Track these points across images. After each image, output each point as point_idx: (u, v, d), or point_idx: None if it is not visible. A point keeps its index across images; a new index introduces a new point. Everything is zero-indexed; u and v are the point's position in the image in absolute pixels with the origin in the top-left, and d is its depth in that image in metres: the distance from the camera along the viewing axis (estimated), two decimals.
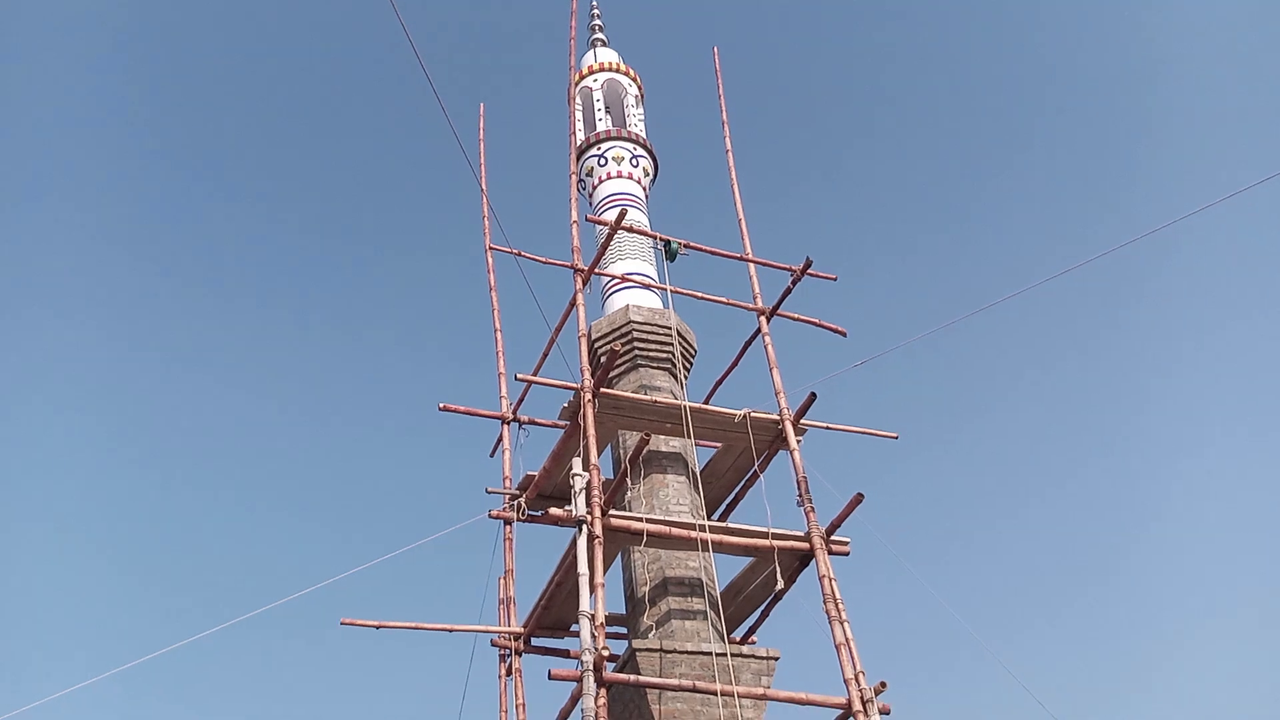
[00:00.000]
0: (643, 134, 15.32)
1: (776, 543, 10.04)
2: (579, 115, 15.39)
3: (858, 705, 8.78)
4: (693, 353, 13.00)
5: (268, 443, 36.20)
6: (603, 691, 8.22)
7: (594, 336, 12.49)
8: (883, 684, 8.90)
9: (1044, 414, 34.70)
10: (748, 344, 12.78)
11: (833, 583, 9.66)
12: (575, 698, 8.68)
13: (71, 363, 34.19)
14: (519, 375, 12.03)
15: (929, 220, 40.02)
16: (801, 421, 11.03)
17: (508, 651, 11.13)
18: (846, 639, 9.25)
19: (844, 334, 12.68)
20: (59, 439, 33.26)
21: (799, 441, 10.85)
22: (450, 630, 10.90)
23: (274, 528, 34.32)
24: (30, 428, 32.74)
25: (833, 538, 10.06)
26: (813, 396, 10.86)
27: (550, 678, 8.88)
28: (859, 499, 9.90)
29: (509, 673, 11.04)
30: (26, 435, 32.85)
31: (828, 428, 11.58)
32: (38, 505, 31.89)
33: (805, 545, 10.03)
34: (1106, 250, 13.86)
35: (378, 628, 10.53)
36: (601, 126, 15.23)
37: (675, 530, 9.92)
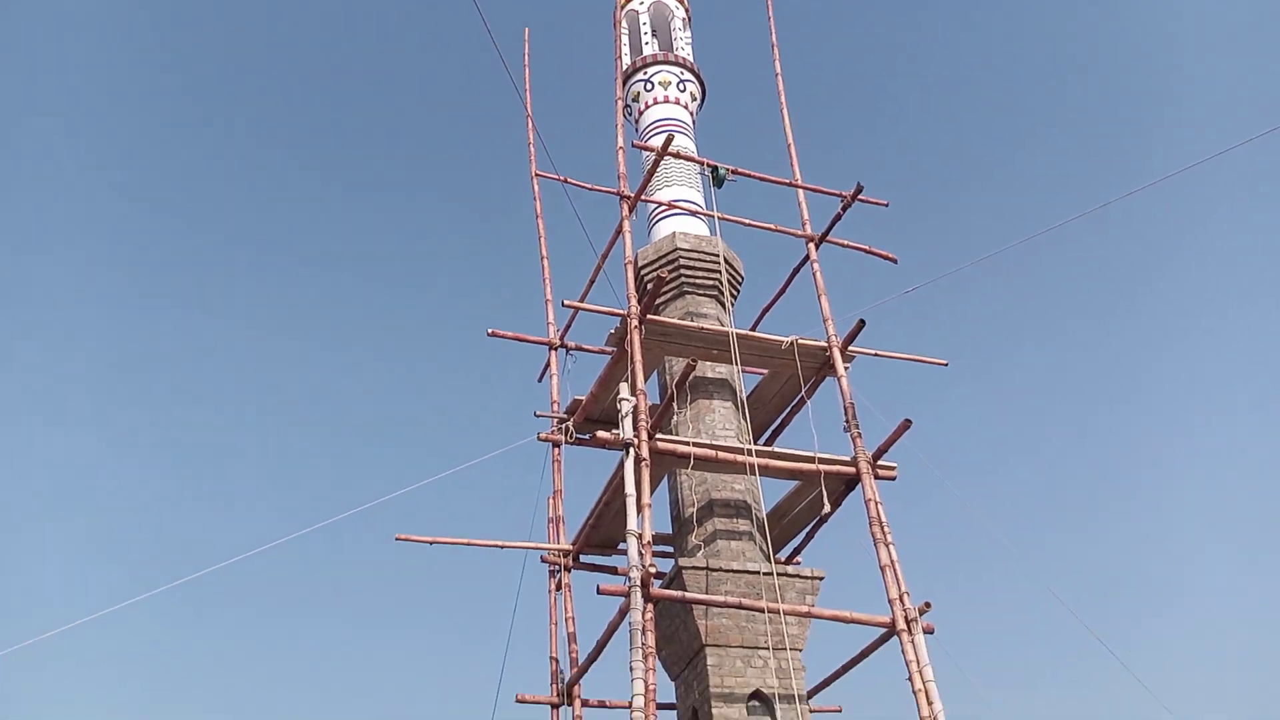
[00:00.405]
0: (690, 58, 15.12)
1: (823, 467, 10.14)
2: (625, 39, 15.21)
3: (902, 624, 8.94)
4: (740, 280, 13.00)
5: (325, 368, 36.92)
6: (650, 606, 8.44)
7: (640, 264, 12.52)
8: (927, 604, 9.05)
9: (1091, 341, 34.35)
10: (796, 271, 12.76)
11: (879, 506, 9.76)
12: (623, 612, 8.90)
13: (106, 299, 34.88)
14: (566, 302, 12.15)
15: (981, 147, 39.31)
16: (850, 348, 11.05)
17: (557, 568, 11.43)
18: (892, 561, 9.38)
19: (894, 261, 12.61)
20: (106, 360, 34.14)
21: (847, 368, 10.88)
22: (501, 547, 11.20)
23: (332, 450, 35.16)
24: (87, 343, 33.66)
25: (879, 463, 10.14)
26: (861, 323, 10.86)
27: (599, 592, 9.10)
28: (906, 425, 9.95)
29: (558, 588, 11.35)
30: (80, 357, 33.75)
31: (876, 355, 11.60)
32: (100, 427, 32.86)
33: (852, 470, 10.12)
34: (1156, 180, 13.55)
35: (431, 543, 10.85)
36: (648, 51, 15.04)
37: (722, 454, 10.05)
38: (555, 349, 13.31)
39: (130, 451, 33.25)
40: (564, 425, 12.19)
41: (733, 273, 12.83)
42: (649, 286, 11.42)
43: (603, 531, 11.42)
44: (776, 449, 10.57)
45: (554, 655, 10.96)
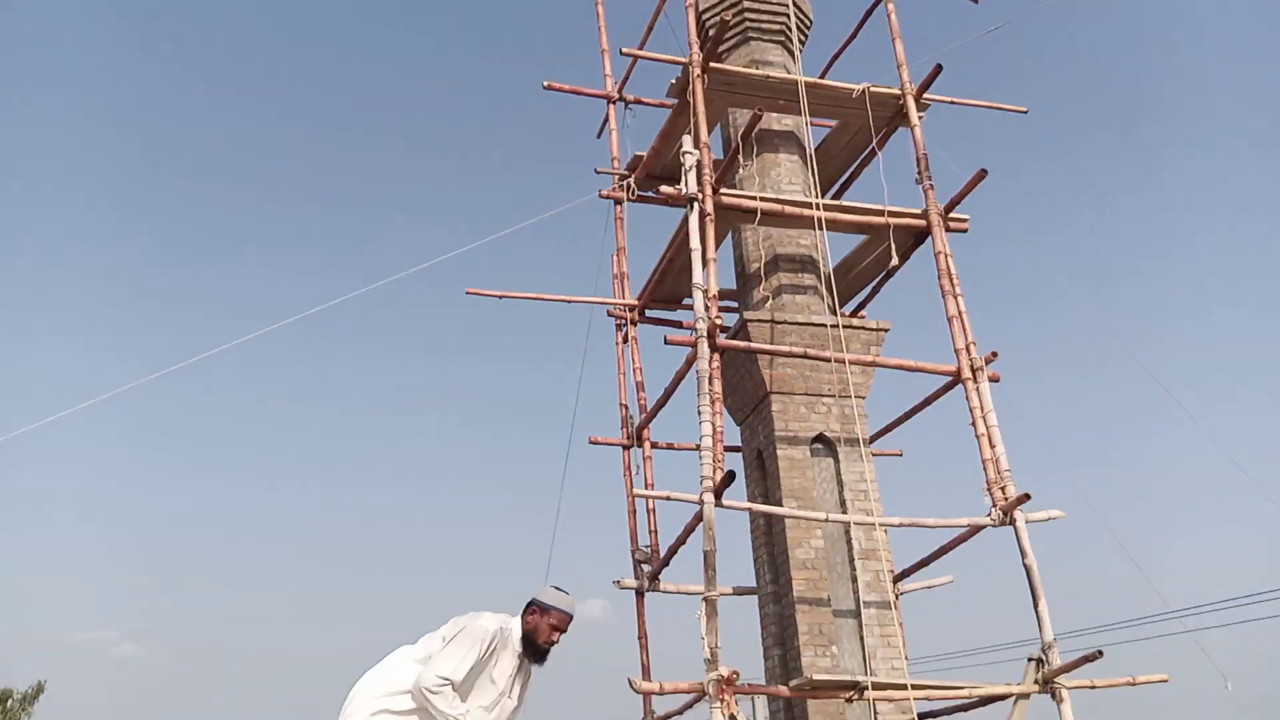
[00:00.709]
0: None
1: (892, 220, 9.97)
2: None
3: (967, 373, 9.06)
4: (808, 24, 12.35)
5: (388, 136, 36.58)
6: (716, 356, 8.60)
7: (702, 7, 11.92)
8: (993, 353, 9.12)
9: (1176, 89, 32.65)
10: (868, 13, 12.06)
11: (948, 259, 9.66)
12: (690, 362, 9.10)
13: None
14: (624, 50, 11.67)
15: None
16: (925, 96, 10.58)
17: (623, 322, 11.64)
18: (959, 312, 9.38)
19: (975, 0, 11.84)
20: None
21: (921, 117, 10.47)
22: (569, 301, 11.39)
23: (399, 209, 35.40)
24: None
25: (951, 214, 9.94)
26: (938, 68, 10.34)
27: (666, 343, 9.29)
28: (981, 175, 9.66)
29: (625, 341, 11.61)
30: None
31: (952, 102, 11.11)
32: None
33: (922, 222, 9.95)
34: None
35: (500, 298, 11.04)
36: None
37: (788, 208, 9.90)
38: (614, 102, 12.97)
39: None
40: (625, 182, 12.05)
41: (801, 16, 12.17)
42: (711, 32, 10.90)
43: (667, 287, 11.52)
44: (844, 203, 10.37)
45: (623, 402, 11.36)
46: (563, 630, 4.51)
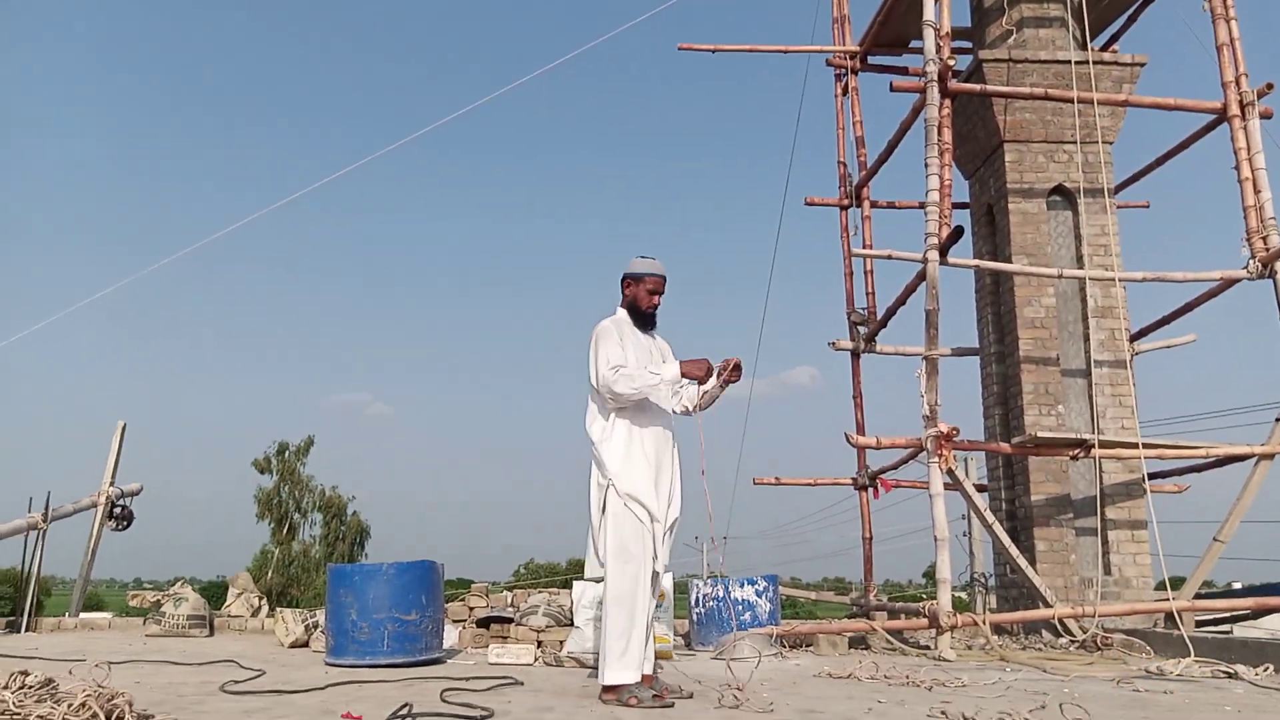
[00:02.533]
0: None
1: None
2: None
3: (1235, 110, 8.03)
4: None
5: None
6: (947, 102, 8.01)
7: None
8: (1269, 85, 7.99)
9: None
10: None
11: None
12: (917, 109, 8.53)
13: None
14: None
15: None
16: None
17: (843, 71, 11.02)
18: (1231, 39, 8.21)
19: None
20: None
21: None
22: (785, 51, 10.85)
23: None
24: None
25: None
26: None
27: (892, 89, 8.70)
28: None
29: (845, 92, 11.04)
30: None
31: None
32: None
33: None
34: None
35: (713, 51, 10.67)
36: None
37: None
38: None
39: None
40: None
41: None
42: None
43: (893, 29, 10.72)
44: None
45: (841, 160, 10.95)
46: (660, 292, 4.64)
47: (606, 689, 4.21)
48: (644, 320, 4.65)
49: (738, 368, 4.58)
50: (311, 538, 42.41)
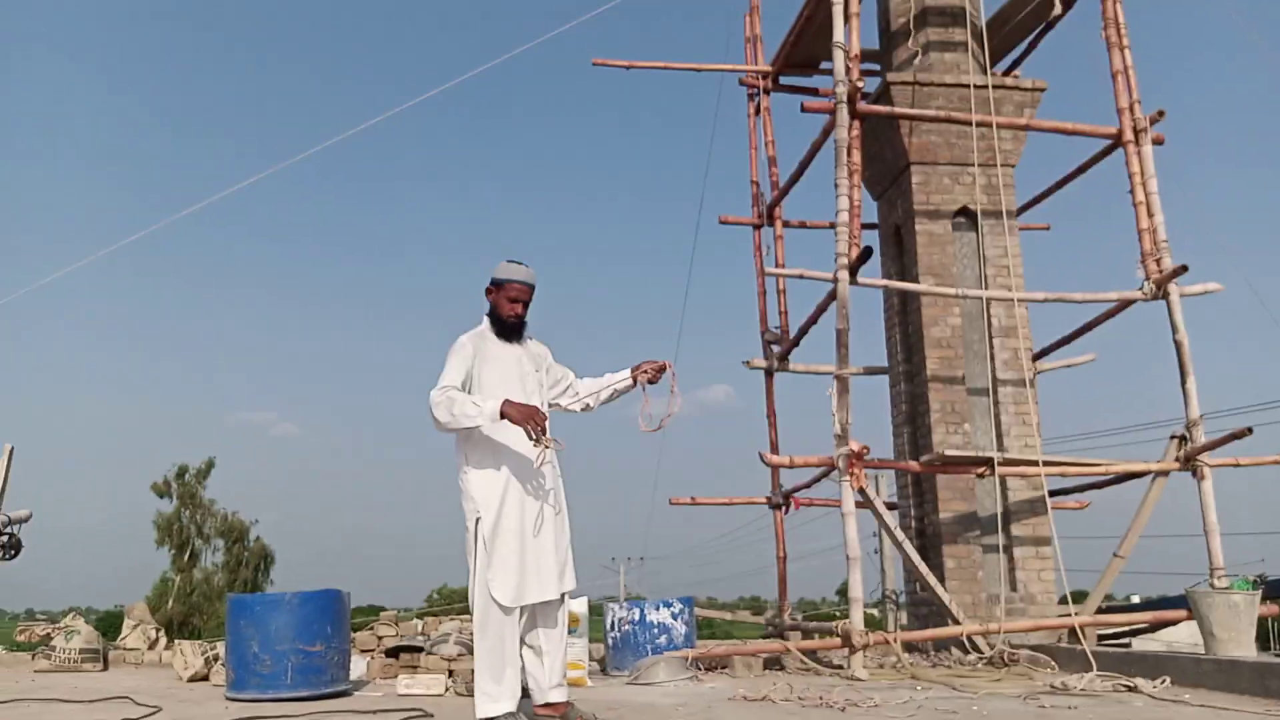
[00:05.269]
0: None
1: None
2: None
3: (1129, 135, 8.32)
4: None
5: None
6: (856, 123, 8.13)
7: None
8: (1160, 112, 8.30)
9: None
10: None
11: (1116, 5, 8.66)
12: (827, 130, 8.64)
13: None
14: None
15: None
16: None
17: (756, 90, 11.13)
18: (1125, 67, 8.51)
19: None
20: None
21: None
22: (698, 69, 10.89)
23: None
24: None
25: None
26: None
27: (802, 110, 8.80)
28: None
29: (757, 111, 11.14)
30: None
31: None
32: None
33: None
34: None
35: (627, 68, 10.66)
36: None
37: None
38: None
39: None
40: None
41: None
42: None
43: (804, 49, 10.85)
44: None
45: (754, 179, 11.05)
46: (523, 300, 4.39)
47: None
48: (507, 330, 4.41)
49: (662, 369, 4.55)
50: (214, 564, 41.10)
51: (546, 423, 4.18)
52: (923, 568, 7.66)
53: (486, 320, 4.45)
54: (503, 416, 4.07)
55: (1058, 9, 9.08)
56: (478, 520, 4.14)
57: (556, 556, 4.26)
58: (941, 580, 8.05)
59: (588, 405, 4.67)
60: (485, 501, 4.15)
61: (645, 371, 4.58)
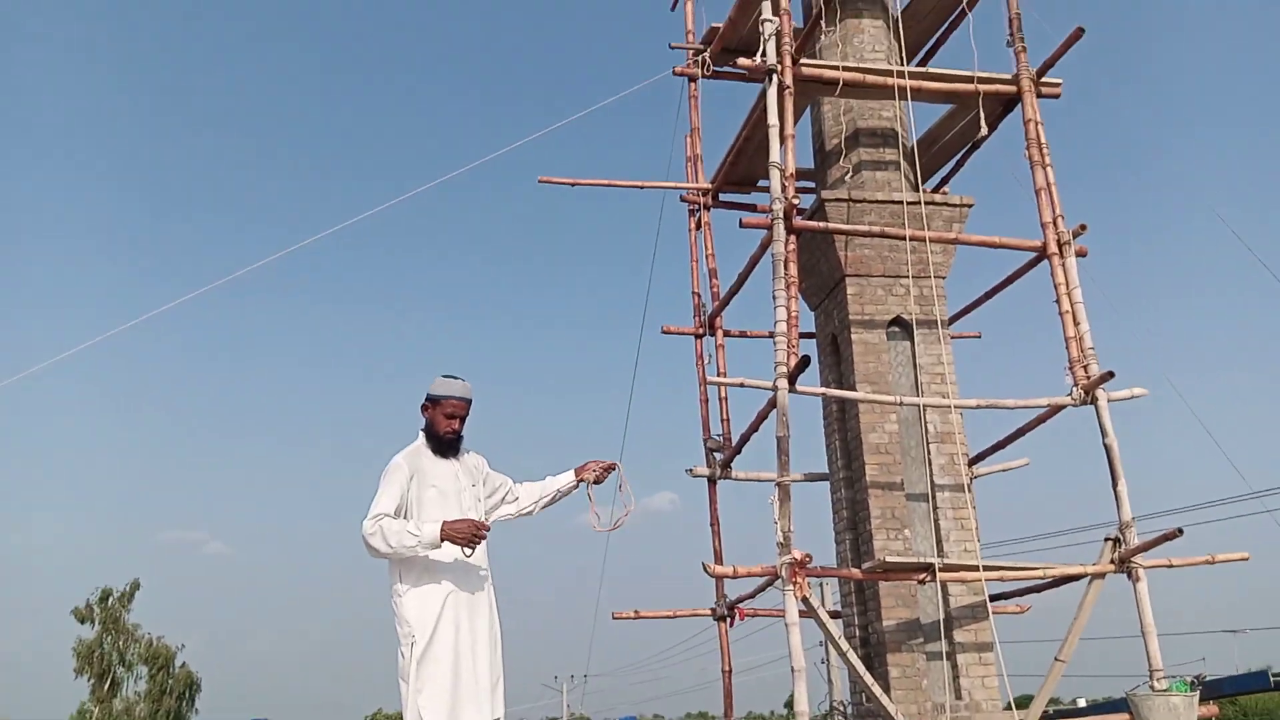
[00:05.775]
0: None
1: (982, 87, 9.41)
2: None
3: (1053, 248, 8.64)
4: None
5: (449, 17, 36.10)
6: (792, 238, 8.37)
7: None
8: (1082, 226, 8.66)
9: None
10: None
11: (1039, 127, 9.12)
12: (764, 245, 8.89)
13: None
14: None
15: None
16: None
17: (696, 207, 11.43)
18: (1048, 184, 8.91)
19: None
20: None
21: None
22: (640, 187, 11.20)
23: (468, 98, 35.20)
24: None
25: (1043, 79, 9.33)
26: None
27: (741, 225, 9.06)
28: (1079, 34, 8.97)
29: (698, 226, 11.42)
30: None
31: None
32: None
33: (1012, 88, 9.36)
34: None
35: (572, 185, 10.91)
36: None
37: (870, 78, 9.42)
38: None
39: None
40: (700, 57, 11.67)
41: None
42: None
43: (742, 168, 11.21)
44: (931, 69, 9.82)
45: (695, 290, 11.25)
46: (460, 416, 4.33)
47: None
48: (444, 447, 4.36)
49: (609, 468, 4.55)
50: (136, 694, 39.03)
51: (487, 533, 4.15)
52: (868, 678, 7.54)
53: (422, 436, 4.40)
54: (444, 539, 4.02)
55: (983, 130, 9.49)
56: (412, 644, 4.05)
57: (491, 675, 4.16)
58: (887, 690, 7.93)
59: (529, 511, 4.63)
60: (420, 624, 4.07)
61: (591, 470, 4.57)
